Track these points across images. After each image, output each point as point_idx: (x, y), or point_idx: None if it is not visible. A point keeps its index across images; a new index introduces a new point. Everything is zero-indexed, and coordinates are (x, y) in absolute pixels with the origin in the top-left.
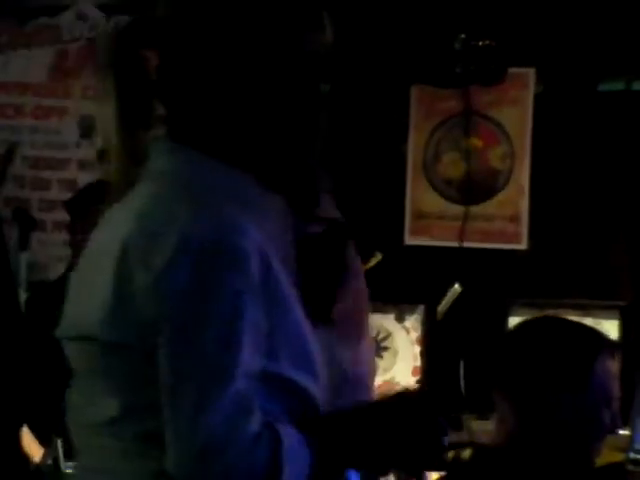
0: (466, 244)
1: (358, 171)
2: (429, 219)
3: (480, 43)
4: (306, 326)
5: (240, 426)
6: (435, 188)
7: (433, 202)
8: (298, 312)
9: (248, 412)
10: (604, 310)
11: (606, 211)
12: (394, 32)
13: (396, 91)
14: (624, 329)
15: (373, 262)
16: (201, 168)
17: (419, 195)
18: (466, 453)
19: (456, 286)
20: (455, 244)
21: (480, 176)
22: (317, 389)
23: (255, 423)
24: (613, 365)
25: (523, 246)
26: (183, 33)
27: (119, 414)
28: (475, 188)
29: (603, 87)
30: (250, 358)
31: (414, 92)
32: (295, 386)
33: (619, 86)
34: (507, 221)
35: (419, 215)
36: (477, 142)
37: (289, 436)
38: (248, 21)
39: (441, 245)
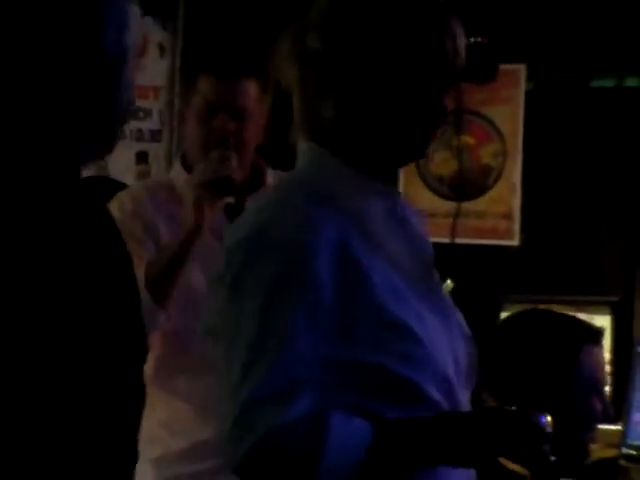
0: (458, 240)
1: None
2: None
3: (471, 40)
4: (412, 312)
5: (278, 406)
6: (427, 185)
7: (425, 199)
8: (395, 298)
9: (290, 395)
10: (596, 306)
11: (598, 208)
12: None
13: None
14: (616, 324)
15: None
16: (322, 167)
17: (412, 192)
18: None
19: (448, 282)
20: (447, 240)
21: (472, 173)
22: (428, 382)
23: (297, 408)
24: (600, 352)
25: (515, 242)
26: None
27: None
28: (467, 185)
29: (595, 83)
30: (308, 345)
31: None
32: (393, 378)
33: (611, 82)
34: (499, 218)
35: None
36: (469, 140)
37: (341, 429)
38: (396, 31)
39: (433, 241)
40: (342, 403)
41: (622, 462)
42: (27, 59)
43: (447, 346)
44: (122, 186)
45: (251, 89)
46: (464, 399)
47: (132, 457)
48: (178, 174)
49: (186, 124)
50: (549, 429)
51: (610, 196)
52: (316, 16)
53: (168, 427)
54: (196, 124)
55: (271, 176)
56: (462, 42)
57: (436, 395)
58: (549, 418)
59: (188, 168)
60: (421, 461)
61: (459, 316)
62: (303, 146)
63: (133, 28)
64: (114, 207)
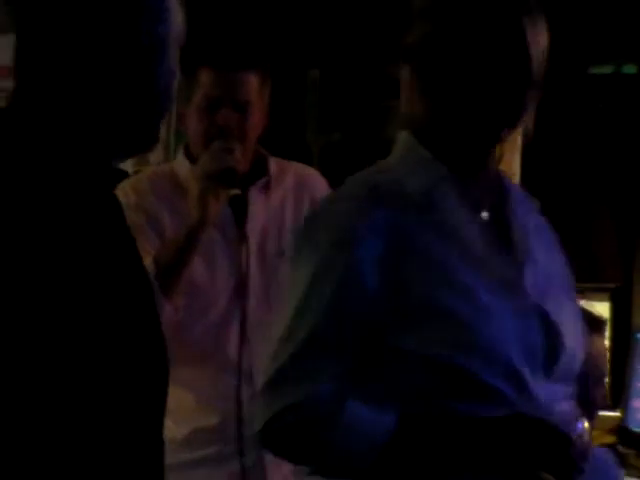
0: None
1: (348, 152)
2: None
3: None
4: (469, 299)
5: (303, 383)
6: None
7: None
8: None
9: (314, 375)
10: (595, 292)
11: (596, 195)
12: (383, 17)
13: (385, 73)
14: (615, 311)
15: None
16: (408, 156)
17: None
18: None
19: None
20: None
21: None
22: (487, 371)
23: (318, 388)
24: (601, 342)
25: None
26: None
27: None
28: None
29: (593, 70)
30: (337, 330)
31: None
32: (446, 367)
33: (609, 69)
34: None
35: None
36: None
37: (359, 411)
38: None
39: None
40: (403, 392)
41: (621, 448)
42: (69, 46)
43: (515, 334)
44: (124, 174)
45: (252, 81)
46: (542, 392)
47: (159, 441)
48: (181, 165)
49: (187, 117)
50: (586, 437)
51: (608, 183)
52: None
53: (172, 415)
54: (198, 117)
55: (274, 164)
56: (543, 42)
57: (503, 386)
58: (586, 424)
59: (191, 159)
60: (436, 460)
61: (551, 304)
62: (399, 135)
63: (171, 18)
64: None
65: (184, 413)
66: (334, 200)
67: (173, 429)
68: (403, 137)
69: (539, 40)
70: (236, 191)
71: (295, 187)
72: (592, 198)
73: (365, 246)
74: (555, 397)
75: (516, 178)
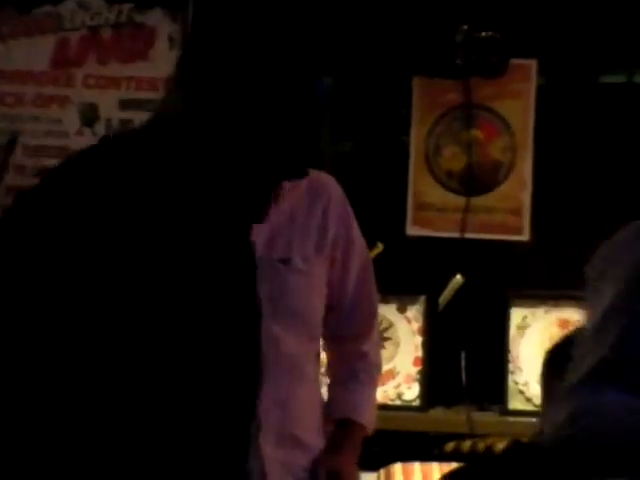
0: (467, 235)
1: (360, 162)
2: (430, 210)
3: (482, 35)
4: None
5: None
6: (437, 179)
7: (435, 193)
8: None
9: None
10: None
11: (607, 203)
12: (396, 23)
13: (398, 82)
14: None
15: (374, 253)
16: None
17: (421, 186)
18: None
19: (458, 277)
20: (456, 235)
21: (481, 168)
22: None
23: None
24: None
25: (524, 238)
26: None
27: None
28: (476, 180)
29: (604, 79)
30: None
31: (416, 83)
32: None
33: (621, 78)
34: (508, 214)
35: (421, 206)
36: (478, 134)
37: None
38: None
39: (442, 236)
40: None
41: None
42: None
43: None
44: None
45: None
46: None
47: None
48: None
49: None
50: None
51: (621, 191)
52: None
53: None
54: None
55: None
56: None
57: None
58: None
59: None
60: None
61: None
62: None
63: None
64: None
65: None
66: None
67: None
68: None
69: None
70: None
71: (308, 194)
72: (604, 206)
73: None
74: None
75: (528, 187)
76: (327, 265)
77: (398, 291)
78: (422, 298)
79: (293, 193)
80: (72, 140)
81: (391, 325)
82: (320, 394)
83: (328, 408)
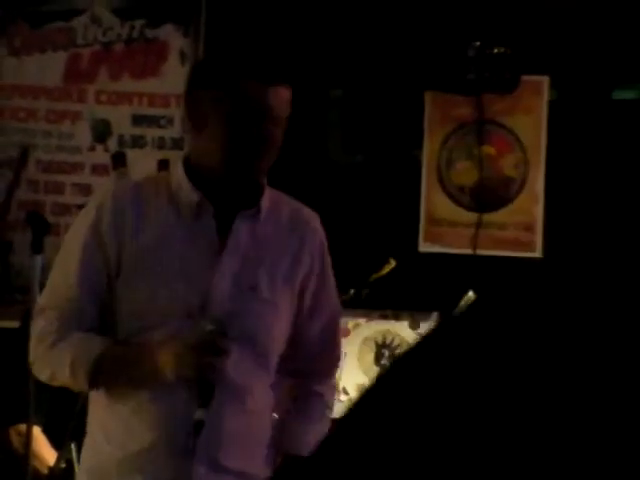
0: (479, 251)
1: (372, 175)
2: (442, 226)
3: (494, 50)
4: None
5: None
6: (449, 195)
7: (447, 209)
8: None
9: None
10: None
11: (621, 218)
12: (409, 38)
13: (410, 97)
14: None
15: (387, 269)
16: None
17: (433, 202)
18: None
19: (470, 294)
20: (468, 251)
21: (493, 184)
22: None
23: None
24: None
25: (537, 254)
26: None
27: None
28: (488, 196)
29: (616, 95)
30: None
31: (428, 98)
32: None
33: (632, 94)
34: (521, 229)
35: (433, 222)
36: (490, 150)
37: None
38: None
39: (455, 252)
40: None
41: None
42: None
43: None
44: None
45: (287, 95)
46: None
47: None
48: (180, 182)
49: (208, 128)
50: None
51: (633, 207)
52: None
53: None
54: (228, 129)
55: (267, 197)
56: None
57: None
58: None
59: (190, 172)
60: None
61: None
62: None
63: None
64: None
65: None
66: None
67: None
68: None
69: None
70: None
71: (288, 226)
72: (616, 222)
73: None
74: None
75: (540, 203)
76: (295, 297)
77: (410, 307)
78: (434, 315)
79: (271, 222)
80: (84, 155)
81: (403, 342)
82: (267, 426)
83: (279, 441)
